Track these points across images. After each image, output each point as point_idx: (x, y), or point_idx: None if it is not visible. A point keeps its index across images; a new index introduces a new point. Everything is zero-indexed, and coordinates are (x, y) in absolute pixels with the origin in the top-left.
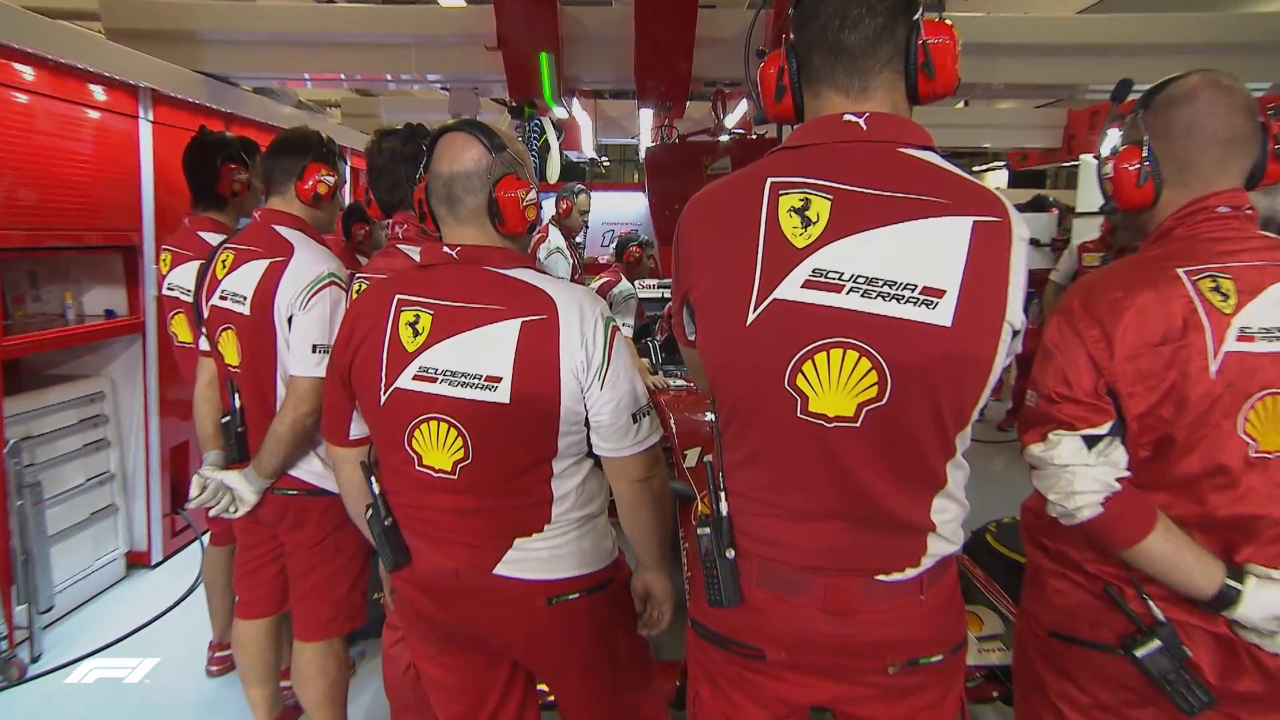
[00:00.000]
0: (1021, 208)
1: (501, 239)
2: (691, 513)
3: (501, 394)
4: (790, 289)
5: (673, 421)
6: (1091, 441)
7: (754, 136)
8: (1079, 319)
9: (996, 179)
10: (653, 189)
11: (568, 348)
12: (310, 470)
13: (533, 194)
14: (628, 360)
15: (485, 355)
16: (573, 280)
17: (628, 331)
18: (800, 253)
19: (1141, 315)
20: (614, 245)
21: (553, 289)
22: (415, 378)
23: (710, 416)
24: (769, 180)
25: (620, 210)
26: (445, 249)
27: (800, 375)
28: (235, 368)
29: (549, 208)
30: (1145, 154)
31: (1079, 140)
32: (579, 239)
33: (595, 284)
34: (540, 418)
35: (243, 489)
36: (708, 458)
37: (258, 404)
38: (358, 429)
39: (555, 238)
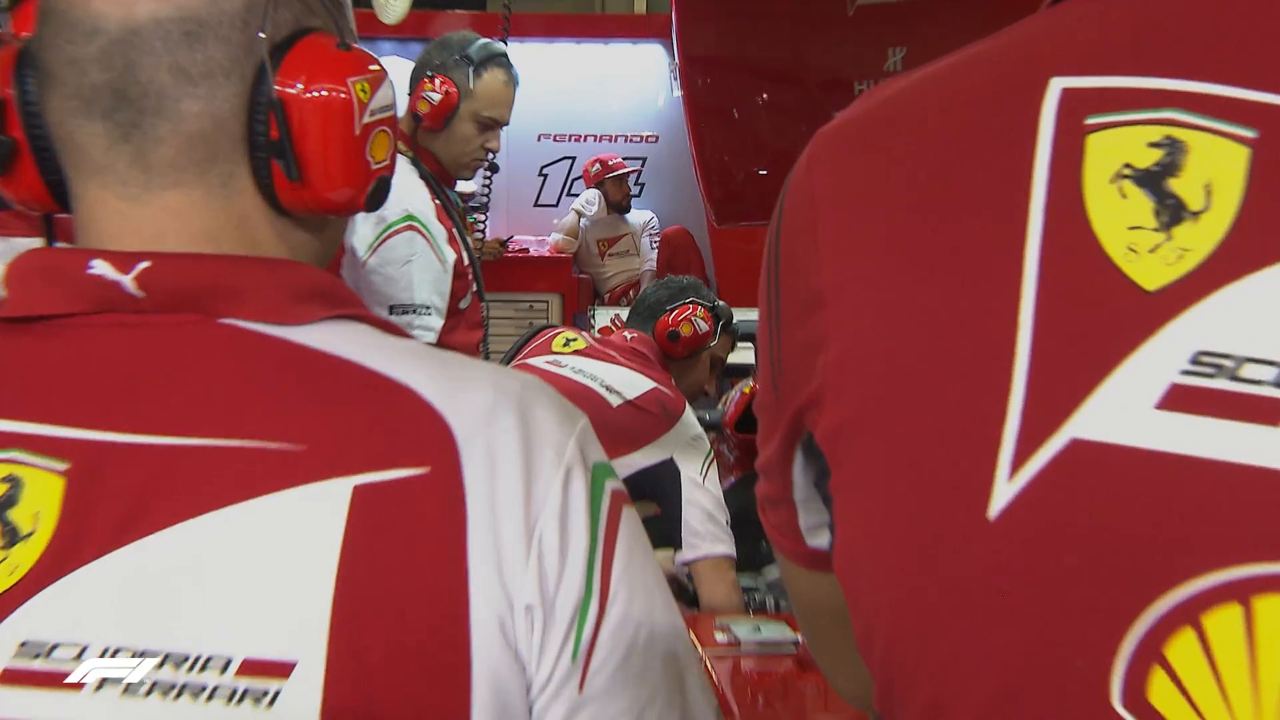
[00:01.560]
0: None
1: (280, 225)
2: None
3: (290, 711)
4: (1125, 412)
5: None
6: None
7: None
8: None
9: None
10: (692, 56)
11: (486, 561)
12: None
13: (387, 90)
14: (657, 594)
15: (238, 598)
16: (462, 307)
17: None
18: (1157, 303)
19: None
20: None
21: (436, 380)
22: (7, 678)
23: None
24: (1056, 84)
25: (588, 106)
26: (96, 265)
27: (1161, 673)
28: None
29: (388, 99)
30: None
31: None
32: (477, 187)
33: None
34: None
35: None
36: None
37: None
38: None
39: (411, 191)
